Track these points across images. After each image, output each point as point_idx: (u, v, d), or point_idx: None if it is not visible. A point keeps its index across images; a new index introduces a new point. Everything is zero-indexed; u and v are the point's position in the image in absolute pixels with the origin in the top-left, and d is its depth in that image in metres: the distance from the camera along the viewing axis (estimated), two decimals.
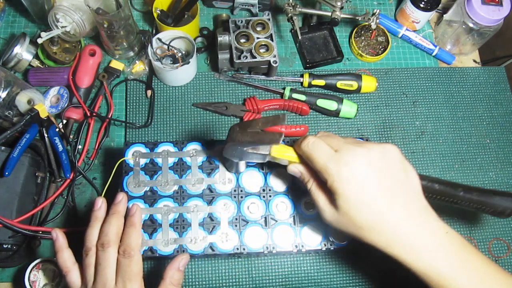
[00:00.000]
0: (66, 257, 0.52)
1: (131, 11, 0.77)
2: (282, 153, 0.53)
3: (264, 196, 0.61)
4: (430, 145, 0.81)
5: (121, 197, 0.55)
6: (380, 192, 0.46)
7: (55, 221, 0.70)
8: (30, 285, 0.62)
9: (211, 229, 0.59)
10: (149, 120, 0.77)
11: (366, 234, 0.47)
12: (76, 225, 0.70)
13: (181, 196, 0.60)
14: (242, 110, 0.78)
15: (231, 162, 0.57)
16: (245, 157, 0.54)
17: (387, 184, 0.46)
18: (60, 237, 0.53)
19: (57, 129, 0.70)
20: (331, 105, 0.78)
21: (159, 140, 0.69)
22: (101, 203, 0.54)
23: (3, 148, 0.65)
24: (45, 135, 0.68)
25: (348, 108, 0.78)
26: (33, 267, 0.63)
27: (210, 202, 0.60)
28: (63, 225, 0.70)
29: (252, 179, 0.62)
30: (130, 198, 0.59)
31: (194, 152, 0.61)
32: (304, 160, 0.51)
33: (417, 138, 0.81)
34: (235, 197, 0.61)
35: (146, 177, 0.60)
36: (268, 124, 0.53)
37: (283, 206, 0.60)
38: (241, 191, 0.61)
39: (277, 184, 0.62)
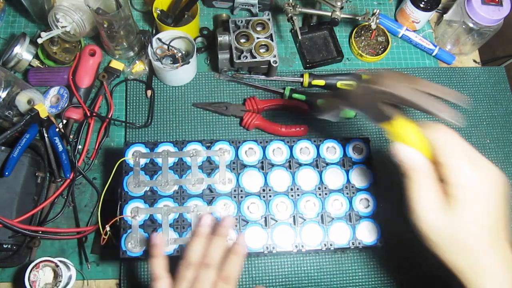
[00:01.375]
0: (160, 265, 0.51)
1: (131, 11, 0.77)
2: (402, 128, 0.46)
3: (264, 196, 0.61)
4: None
5: (229, 220, 0.55)
6: (497, 223, 0.43)
7: (55, 221, 0.70)
8: (30, 285, 0.62)
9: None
10: (149, 120, 0.77)
11: (455, 252, 0.43)
12: (76, 225, 0.70)
13: (181, 196, 0.60)
14: (242, 110, 0.78)
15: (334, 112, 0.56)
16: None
17: (502, 217, 0.44)
18: (158, 244, 0.53)
19: (57, 129, 0.70)
20: None
21: (159, 140, 0.69)
22: (210, 221, 0.54)
23: (3, 148, 0.65)
24: (45, 135, 0.68)
25: None
26: (33, 267, 0.63)
27: (210, 202, 0.60)
28: (63, 225, 0.71)
29: (252, 179, 0.62)
30: (130, 198, 0.59)
31: (194, 152, 0.61)
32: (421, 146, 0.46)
33: None
34: (235, 197, 0.61)
35: (146, 177, 0.60)
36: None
37: (283, 206, 0.61)
38: (241, 191, 0.61)
39: (277, 184, 0.62)
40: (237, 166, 0.62)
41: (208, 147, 0.63)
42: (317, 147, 0.64)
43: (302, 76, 0.81)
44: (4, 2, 0.84)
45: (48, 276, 0.64)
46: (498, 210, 0.43)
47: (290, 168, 0.63)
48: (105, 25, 0.72)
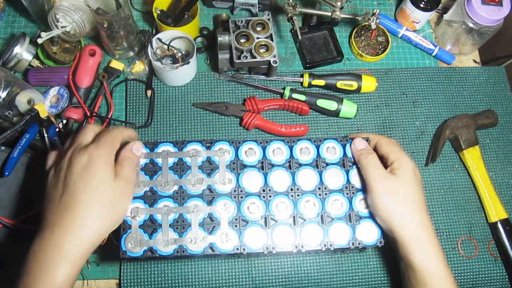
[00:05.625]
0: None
1: (131, 11, 0.77)
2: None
3: (264, 197, 0.61)
4: (430, 145, 0.81)
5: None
6: (420, 192, 0.61)
7: None
8: None
9: (211, 229, 0.59)
10: (149, 120, 0.77)
11: (394, 214, 0.58)
12: None
13: (181, 197, 0.60)
14: (242, 110, 0.78)
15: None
16: None
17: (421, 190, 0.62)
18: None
19: (57, 129, 0.70)
20: (331, 105, 0.78)
21: (159, 140, 0.69)
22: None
23: (3, 148, 0.65)
24: (45, 135, 0.68)
25: (348, 108, 0.78)
26: None
27: (210, 202, 0.60)
28: None
29: (252, 179, 0.62)
30: None
31: (194, 152, 0.61)
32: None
33: (417, 138, 0.81)
34: (235, 197, 0.60)
35: (146, 177, 0.60)
36: None
37: (283, 206, 0.60)
38: (241, 191, 0.61)
39: (277, 184, 0.62)
40: (237, 166, 0.62)
41: (208, 147, 0.62)
42: (317, 147, 0.64)
43: (302, 76, 0.81)
44: (4, 2, 0.84)
45: None
46: (419, 182, 0.61)
47: (290, 169, 0.63)
48: (105, 25, 0.72)
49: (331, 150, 0.64)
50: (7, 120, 0.70)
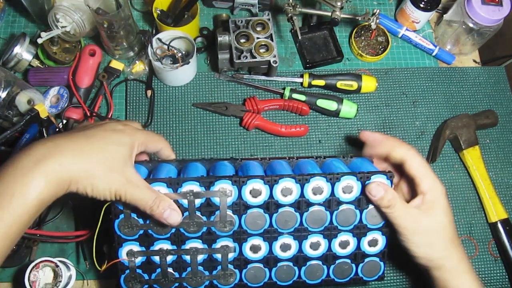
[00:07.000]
0: None
1: (131, 11, 0.77)
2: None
3: (268, 238, 0.56)
4: (430, 145, 0.81)
5: None
6: (453, 223, 0.56)
7: (54, 221, 0.70)
8: (30, 285, 0.62)
9: (211, 268, 0.56)
10: (149, 120, 0.77)
11: (428, 247, 0.55)
12: (76, 225, 0.70)
13: (178, 239, 0.55)
14: (242, 110, 0.78)
15: None
16: None
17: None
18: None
19: (57, 129, 0.70)
20: (331, 105, 0.78)
21: (151, 177, 0.57)
22: None
23: (3, 148, 0.65)
24: (45, 135, 0.68)
25: (348, 108, 0.78)
26: (33, 267, 0.63)
27: (210, 245, 0.55)
28: (62, 225, 0.70)
29: (256, 220, 0.55)
30: (124, 240, 0.55)
31: (191, 194, 0.53)
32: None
33: (417, 138, 0.81)
34: (237, 239, 0.56)
35: (139, 220, 0.54)
36: None
37: (287, 247, 0.56)
38: (243, 233, 0.55)
39: (283, 225, 0.56)
40: (239, 208, 0.54)
41: (208, 187, 0.53)
42: (332, 186, 0.55)
43: (302, 76, 0.81)
44: (4, 2, 0.84)
45: (48, 276, 0.64)
46: (450, 211, 0.56)
47: (299, 209, 0.55)
48: (105, 25, 0.72)
49: (347, 189, 0.55)
50: (7, 120, 0.70)
